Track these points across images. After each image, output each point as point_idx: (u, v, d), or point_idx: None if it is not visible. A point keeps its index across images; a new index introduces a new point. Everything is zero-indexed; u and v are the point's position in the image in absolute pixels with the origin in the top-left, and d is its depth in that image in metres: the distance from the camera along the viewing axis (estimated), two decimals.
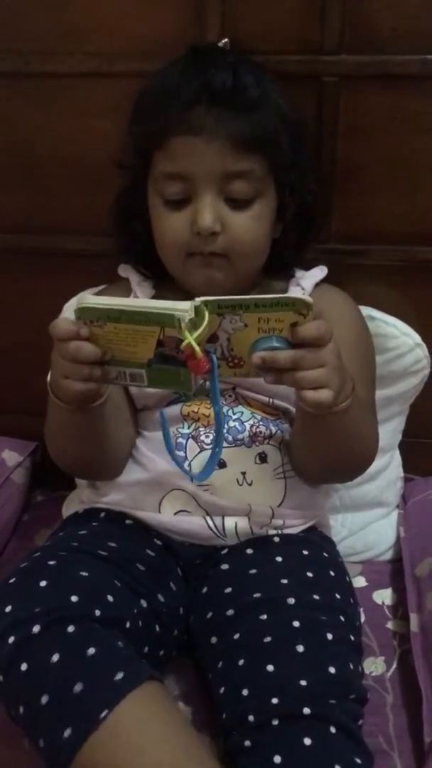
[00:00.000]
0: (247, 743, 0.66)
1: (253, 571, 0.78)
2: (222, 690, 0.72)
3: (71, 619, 0.67)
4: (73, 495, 1.03)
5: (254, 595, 0.75)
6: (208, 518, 0.82)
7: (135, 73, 0.91)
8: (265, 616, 0.73)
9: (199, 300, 0.64)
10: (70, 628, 0.67)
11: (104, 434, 0.80)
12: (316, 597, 0.75)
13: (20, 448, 1.08)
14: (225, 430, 0.84)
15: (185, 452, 0.84)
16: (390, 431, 0.99)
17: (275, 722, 0.66)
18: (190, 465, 0.83)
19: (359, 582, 0.94)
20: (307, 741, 0.64)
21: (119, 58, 0.91)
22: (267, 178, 0.81)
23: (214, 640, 0.76)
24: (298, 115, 0.85)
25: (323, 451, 0.79)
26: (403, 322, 0.96)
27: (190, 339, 0.63)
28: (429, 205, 0.94)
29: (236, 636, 0.73)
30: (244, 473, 0.83)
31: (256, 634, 0.72)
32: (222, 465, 0.83)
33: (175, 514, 0.83)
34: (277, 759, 0.64)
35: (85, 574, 0.72)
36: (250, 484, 0.83)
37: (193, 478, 0.78)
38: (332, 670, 0.69)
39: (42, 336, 1.00)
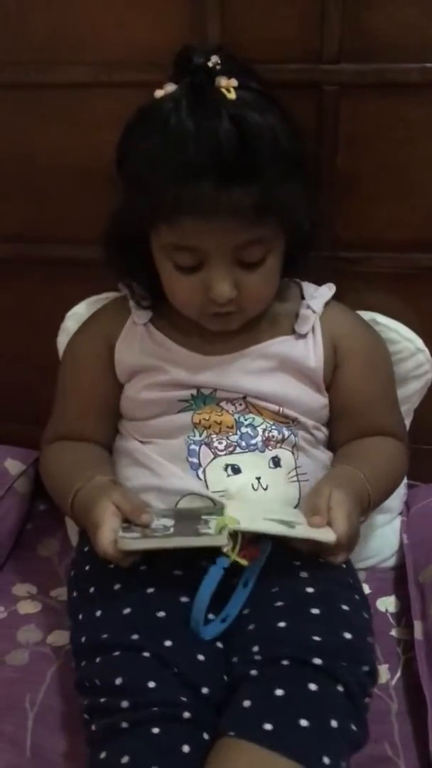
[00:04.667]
0: (253, 672, 0.68)
1: (273, 576, 0.77)
2: (233, 644, 0.73)
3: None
4: None
5: (272, 590, 0.75)
6: None
7: (134, 83, 0.91)
8: (277, 588, 0.74)
9: (232, 527, 0.71)
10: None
11: None
12: (335, 585, 0.76)
13: (23, 457, 1.08)
14: (238, 437, 0.84)
15: (198, 459, 0.84)
16: None
17: (285, 662, 0.67)
18: (204, 472, 0.83)
19: (363, 589, 0.94)
20: (313, 687, 0.66)
21: (118, 68, 0.91)
22: (278, 233, 0.79)
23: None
24: (300, 136, 0.80)
25: None
26: (406, 327, 0.96)
27: (234, 556, 0.71)
28: (429, 212, 0.94)
29: (246, 611, 0.74)
30: (258, 478, 0.83)
31: (268, 600, 0.73)
32: (236, 471, 0.83)
33: None
34: (279, 692, 0.65)
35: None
36: (265, 489, 0.83)
37: (201, 633, 0.74)
38: (347, 635, 0.71)
39: (43, 344, 1.02)
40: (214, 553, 0.71)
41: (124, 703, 0.67)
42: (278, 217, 0.77)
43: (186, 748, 0.65)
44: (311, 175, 0.83)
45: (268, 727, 0.64)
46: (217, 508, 0.79)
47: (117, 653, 0.72)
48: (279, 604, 0.73)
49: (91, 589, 0.79)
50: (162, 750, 0.64)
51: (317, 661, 0.67)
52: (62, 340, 0.99)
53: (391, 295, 0.97)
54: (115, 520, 0.74)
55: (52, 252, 1.01)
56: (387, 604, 0.93)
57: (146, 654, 0.70)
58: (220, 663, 0.73)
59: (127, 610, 0.74)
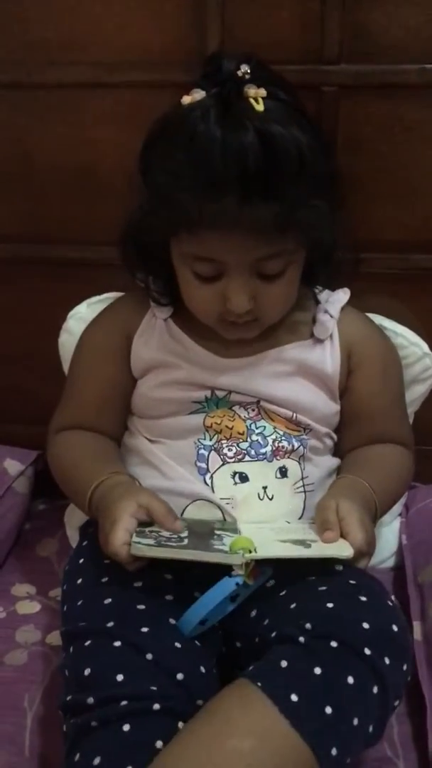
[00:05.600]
0: (301, 639, 0.67)
1: (309, 566, 0.76)
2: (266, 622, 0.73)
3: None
4: None
5: (310, 577, 0.74)
6: None
7: (135, 83, 0.92)
8: (315, 577, 0.73)
9: (248, 556, 0.71)
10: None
11: None
12: (373, 582, 0.76)
13: (22, 457, 1.08)
14: (248, 444, 0.84)
15: (207, 464, 0.84)
16: None
17: (333, 644, 0.66)
18: (212, 477, 0.83)
19: None
20: (351, 680, 0.65)
21: (119, 68, 0.92)
22: (299, 247, 0.78)
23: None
24: (328, 150, 0.80)
25: None
26: (412, 332, 0.96)
27: (244, 576, 0.71)
28: (426, 213, 0.94)
29: (283, 593, 0.74)
30: (265, 488, 0.83)
31: (308, 584, 0.73)
32: (244, 479, 0.83)
33: None
34: (318, 671, 0.65)
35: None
36: (270, 499, 0.83)
37: (183, 628, 0.72)
38: (395, 628, 0.70)
39: (43, 345, 1.02)
40: (222, 568, 0.71)
41: (90, 700, 0.66)
42: (301, 232, 0.76)
43: (159, 744, 0.63)
44: (336, 191, 0.81)
45: (294, 698, 0.63)
46: (229, 524, 0.79)
47: (89, 642, 0.71)
48: (322, 588, 0.72)
49: (79, 581, 0.79)
50: (135, 748, 0.63)
51: (367, 651, 0.66)
52: (64, 341, 0.99)
53: (390, 296, 0.97)
54: (133, 521, 0.74)
55: (53, 252, 1.02)
56: None
57: (117, 643, 0.69)
58: (198, 654, 0.72)
59: (108, 600, 0.73)
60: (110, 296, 0.97)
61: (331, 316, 0.88)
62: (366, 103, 0.90)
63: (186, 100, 0.76)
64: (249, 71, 0.74)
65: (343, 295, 0.90)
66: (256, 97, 0.73)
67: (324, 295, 0.89)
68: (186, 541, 0.73)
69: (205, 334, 0.85)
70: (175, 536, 0.74)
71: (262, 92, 0.73)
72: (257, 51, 0.86)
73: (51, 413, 0.93)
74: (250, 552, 0.71)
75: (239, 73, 0.74)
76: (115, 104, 0.94)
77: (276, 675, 0.65)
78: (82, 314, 0.97)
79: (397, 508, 1.01)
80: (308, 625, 0.68)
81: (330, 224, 0.79)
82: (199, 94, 0.75)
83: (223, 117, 0.72)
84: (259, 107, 0.72)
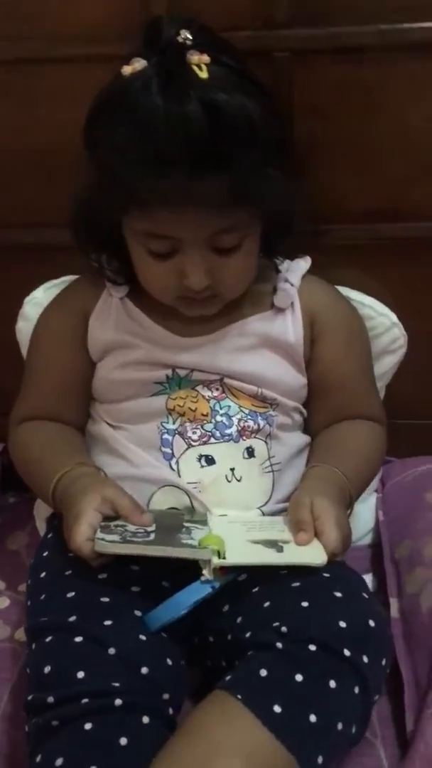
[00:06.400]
0: (279, 645, 0.65)
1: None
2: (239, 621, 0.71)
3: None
4: None
5: (282, 571, 0.72)
6: None
7: (81, 57, 0.89)
8: (286, 570, 0.71)
9: (216, 562, 0.69)
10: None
11: None
12: (348, 572, 0.75)
13: None
14: (212, 426, 0.82)
15: (172, 449, 0.81)
16: None
17: (312, 647, 0.65)
18: (177, 462, 0.81)
19: None
20: (333, 684, 0.64)
21: (64, 42, 0.88)
22: (254, 217, 0.76)
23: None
24: (278, 116, 0.77)
25: None
26: (380, 303, 0.94)
27: (213, 580, 0.69)
28: (390, 180, 0.91)
29: (255, 589, 0.72)
30: (233, 469, 0.81)
31: (281, 579, 0.71)
32: (210, 461, 0.81)
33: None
34: (299, 677, 0.63)
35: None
36: (239, 480, 0.81)
37: (149, 623, 0.71)
38: (371, 623, 0.68)
39: (1, 332, 0.99)
40: (191, 561, 0.69)
41: (51, 699, 0.64)
42: (254, 203, 0.74)
43: (123, 741, 0.62)
44: (291, 159, 0.79)
45: (277, 709, 0.62)
46: (198, 514, 0.77)
47: (50, 638, 0.69)
48: (296, 584, 0.70)
49: (43, 574, 0.77)
50: (98, 747, 0.62)
51: (347, 652, 0.65)
52: (21, 327, 0.96)
53: (357, 268, 0.95)
54: (97, 515, 0.72)
55: (6, 237, 0.98)
56: None
57: (79, 638, 0.67)
58: (164, 646, 0.70)
59: (71, 594, 0.71)
60: (67, 279, 0.94)
61: (292, 285, 0.86)
62: (322, 69, 0.86)
63: (127, 70, 0.73)
64: (190, 37, 0.71)
65: (303, 264, 0.88)
66: (199, 64, 0.70)
67: (285, 264, 0.87)
68: (153, 535, 0.71)
69: (164, 312, 0.83)
70: (142, 530, 0.71)
71: (205, 59, 0.70)
72: (205, 17, 0.83)
73: (13, 403, 0.91)
74: (220, 556, 0.69)
75: (180, 39, 0.71)
76: (66, 80, 0.90)
77: (256, 685, 0.63)
78: (39, 299, 0.94)
79: (374, 483, 1.00)
80: (284, 629, 0.66)
81: (286, 194, 0.76)
82: (139, 64, 0.72)
83: (164, 87, 0.69)
84: (203, 74, 0.69)
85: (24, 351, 0.94)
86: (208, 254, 0.75)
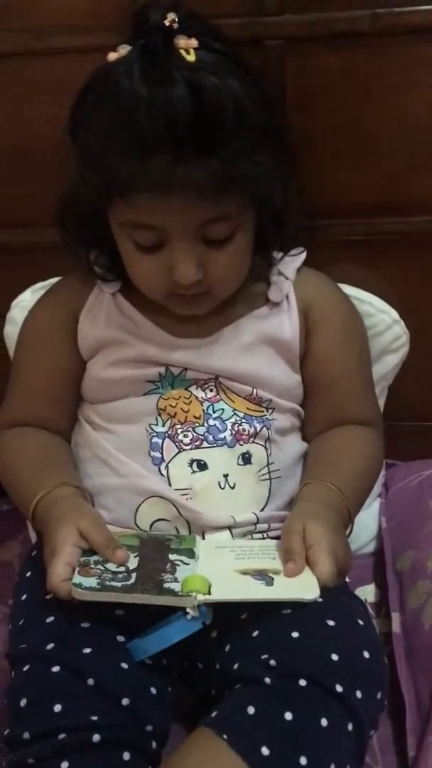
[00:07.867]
0: (267, 680, 0.61)
1: None
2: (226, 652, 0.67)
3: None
4: None
5: (242, 616, 0.69)
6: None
7: (66, 49, 0.86)
8: (246, 615, 0.67)
9: (201, 599, 0.64)
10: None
11: None
12: (342, 596, 0.71)
13: None
14: (204, 429, 0.79)
15: (161, 453, 0.78)
16: None
17: (302, 682, 0.61)
18: (167, 467, 0.77)
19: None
20: (324, 722, 0.60)
21: (47, 34, 0.85)
22: (245, 207, 0.73)
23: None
24: (268, 101, 0.73)
25: None
26: (380, 299, 0.90)
27: (194, 614, 0.65)
28: (389, 172, 0.88)
29: (243, 615, 0.68)
30: (226, 476, 0.77)
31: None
32: (202, 467, 0.77)
33: (153, 523, 0.76)
34: (289, 716, 0.59)
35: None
36: (232, 488, 0.77)
37: (131, 652, 0.67)
38: (366, 654, 0.64)
39: None
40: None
41: (26, 734, 0.61)
42: (244, 191, 0.71)
43: None
44: (282, 144, 0.76)
45: (265, 751, 0.58)
46: (186, 541, 0.73)
47: (27, 667, 0.66)
48: (286, 612, 0.66)
49: (24, 596, 0.74)
50: None
51: (339, 688, 0.61)
52: (9, 331, 0.93)
53: (356, 264, 0.91)
54: (74, 551, 0.68)
55: None
56: (366, 593, 0.88)
57: (56, 668, 0.64)
58: (147, 675, 0.67)
59: (50, 619, 0.68)
60: (55, 281, 0.91)
61: (286, 278, 0.82)
62: (315, 56, 0.83)
63: (112, 56, 0.70)
64: (176, 20, 0.68)
65: (298, 256, 0.84)
66: (187, 47, 0.67)
67: (279, 257, 0.83)
68: (133, 577, 0.67)
69: (157, 308, 0.80)
70: (122, 570, 0.67)
71: (193, 42, 0.67)
72: (193, 5, 0.79)
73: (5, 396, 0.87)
74: (204, 594, 0.65)
75: (166, 22, 0.68)
76: (49, 74, 0.88)
77: (243, 725, 0.60)
78: (27, 302, 0.91)
79: (377, 488, 0.96)
80: (273, 662, 0.62)
81: (276, 182, 0.73)
82: (124, 49, 0.69)
83: (149, 70, 0.66)
84: (190, 58, 0.66)
85: (12, 356, 0.91)
86: (197, 246, 0.72)
